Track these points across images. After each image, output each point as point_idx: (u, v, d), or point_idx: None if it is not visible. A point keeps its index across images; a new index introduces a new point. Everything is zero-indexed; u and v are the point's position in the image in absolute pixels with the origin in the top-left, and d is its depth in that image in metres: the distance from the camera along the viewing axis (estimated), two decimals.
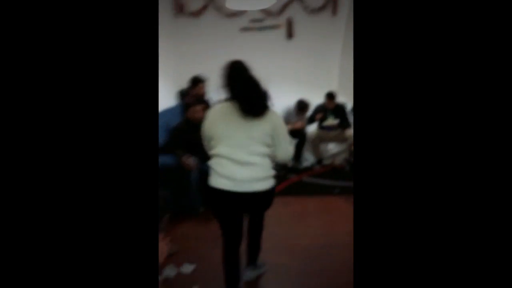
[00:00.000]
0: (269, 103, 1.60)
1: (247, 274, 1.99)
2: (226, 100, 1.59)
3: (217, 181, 1.56)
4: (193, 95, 3.27)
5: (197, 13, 4.37)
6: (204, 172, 2.83)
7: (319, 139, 4.00)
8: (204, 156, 2.87)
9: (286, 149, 1.60)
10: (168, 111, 3.66)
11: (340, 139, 3.98)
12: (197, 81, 3.27)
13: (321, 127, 4.00)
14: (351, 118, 4.27)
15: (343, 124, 3.95)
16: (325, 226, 2.53)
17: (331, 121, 3.93)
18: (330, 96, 3.91)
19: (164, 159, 2.71)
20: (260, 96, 1.55)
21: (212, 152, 1.60)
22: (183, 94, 4.31)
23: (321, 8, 4.37)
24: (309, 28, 4.46)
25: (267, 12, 4.38)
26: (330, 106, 3.96)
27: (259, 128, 1.51)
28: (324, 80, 4.28)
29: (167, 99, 4.26)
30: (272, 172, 1.61)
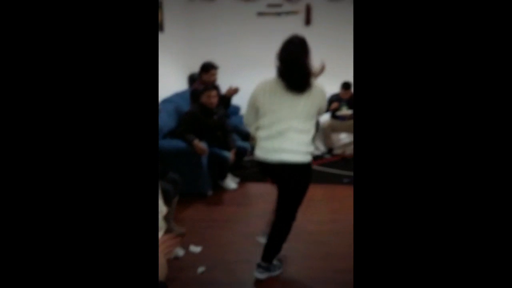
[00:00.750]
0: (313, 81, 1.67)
1: (256, 274, 1.89)
2: (277, 75, 1.68)
3: (257, 152, 1.74)
4: (203, 81, 3.25)
5: None
6: (214, 155, 2.87)
7: (331, 129, 3.97)
8: (214, 140, 2.91)
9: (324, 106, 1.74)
10: (179, 95, 3.67)
11: (352, 130, 3.94)
12: (208, 67, 3.24)
13: (334, 116, 3.96)
14: None
15: None
16: (332, 213, 2.55)
17: (345, 110, 3.88)
18: (346, 86, 3.85)
19: (174, 143, 2.74)
20: (302, 76, 1.62)
21: (258, 122, 1.72)
22: (193, 79, 4.30)
23: None
24: (328, 15, 4.36)
25: None
26: (345, 97, 3.91)
27: (302, 104, 1.62)
28: (341, 69, 4.20)
29: (179, 82, 4.26)
30: (308, 149, 1.67)
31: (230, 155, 2.94)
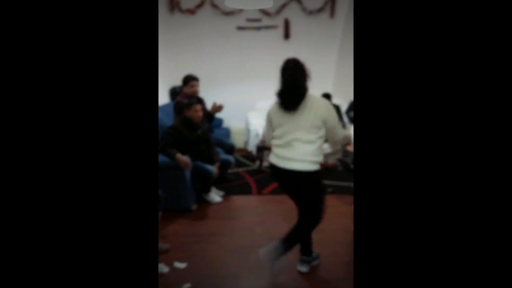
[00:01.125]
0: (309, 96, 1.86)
1: (300, 268, 2.10)
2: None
3: (270, 157, 1.98)
4: (185, 94, 3.25)
5: (192, 10, 4.36)
6: (198, 169, 2.84)
7: None
8: (197, 155, 2.89)
9: (336, 132, 1.88)
10: (160, 109, 3.63)
11: None
12: (188, 79, 3.25)
13: None
14: (345, 119, 4.30)
15: None
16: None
17: None
18: (326, 96, 3.94)
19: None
20: (294, 95, 1.82)
21: (272, 134, 2.01)
22: (175, 93, 4.28)
23: (319, 10, 4.40)
24: (306, 29, 4.48)
25: (265, 12, 4.39)
26: None
27: (304, 118, 1.81)
28: (320, 81, 4.30)
29: (160, 96, 4.23)
30: (312, 158, 1.83)
31: (214, 168, 2.92)
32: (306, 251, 2.09)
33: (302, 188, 1.88)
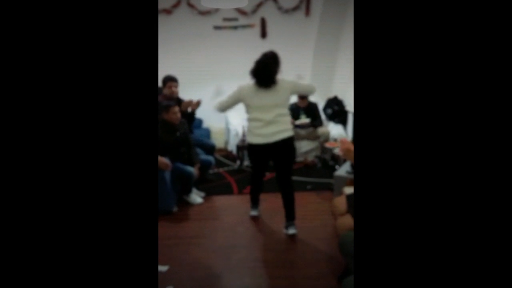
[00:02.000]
0: (279, 76, 2.32)
1: (291, 231, 2.46)
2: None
3: (253, 139, 2.35)
4: (164, 95, 3.21)
5: (169, 10, 4.30)
6: (178, 171, 2.82)
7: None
8: (177, 157, 2.87)
9: (308, 86, 2.63)
10: None
11: (312, 137, 4.08)
12: (166, 80, 3.22)
13: (294, 126, 4.08)
14: (323, 116, 4.37)
15: (316, 123, 4.05)
16: (297, 220, 2.60)
17: (303, 119, 4.01)
18: (303, 97, 4.00)
19: None
20: (267, 74, 2.26)
21: (248, 116, 2.38)
22: None
23: (294, 9, 4.44)
24: (282, 28, 4.51)
25: (241, 11, 4.39)
26: (302, 105, 4.05)
27: (279, 95, 2.30)
28: (297, 79, 4.36)
29: None
30: (290, 126, 2.38)
31: (194, 170, 2.91)
32: (293, 215, 2.47)
33: (290, 151, 2.39)
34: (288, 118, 2.38)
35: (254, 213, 2.75)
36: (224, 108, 2.46)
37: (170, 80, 3.22)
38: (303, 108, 4.05)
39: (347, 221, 1.70)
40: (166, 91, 3.22)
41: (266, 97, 2.28)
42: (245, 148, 3.81)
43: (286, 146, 2.34)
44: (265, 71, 2.26)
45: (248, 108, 2.35)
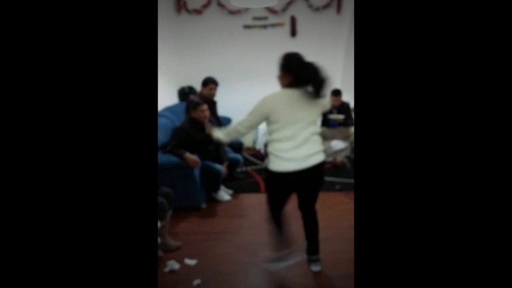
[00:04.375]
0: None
1: (314, 268, 2.10)
2: (287, 87, 1.75)
3: (280, 165, 1.76)
4: (202, 95, 3.32)
5: (199, 10, 4.39)
6: (207, 168, 2.88)
7: (322, 136, 4.00)
8: (205, 155, 2.93)
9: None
10: (169, 109, 3.69)
11: (343, 137, 4.00)
12: (207, 82, 3.34)
13: (325, 123, 4.01)
14: (354, 116, 4.27)
15: (348, 121, 3.96)
16: (325, 220, 2.56)
17: (336, 115, 3.93)
18: (337, 92, 3.92)
19: (166, 157, 2.76)
20: (322, 81, 1.70)
21: (274, 136, 1.77)
22: (184, 93, 4.34)
23: (325, 6, 4.38)
24: (312, 26, 4.47)
25: (271, 10, 4.40)
26: (336, 103, 3.97)
27: (317, 108, 1.79)
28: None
29: (168, 97, 4.29)
30: (323, 148, 1.87)
31: (222, 168, 2.96)
32: (316, 250, 2.08)
33: (322, 178, 1.89)
34: (320, 138, 1.86)
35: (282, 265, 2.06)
36: (247, 130, 1.83)
37: (212, 82, 3.34)
38: (337, 107, 3.98)
39: None
40: (205, 91, 3.33)
41: (304, 109, 1.72)
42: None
43: (319, 172, 1.83)
44: (321, 76, 1.68)
45: (275, 125, 1.74)
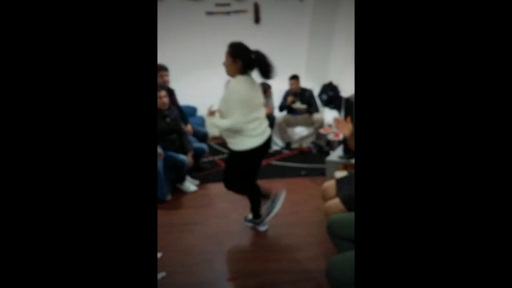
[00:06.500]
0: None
1: (261, 228, 2.38)
2: (240, 73, 2.00)
3: (251, 142, 2.03)
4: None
5: None
6: (170, 159, 2.81)
7: (286, 123, 4.05)
8: (168, 144, 2.85)
9: None
10: None
11: (307, 123, 4.06)
12: (158, 69, 3.16)
13: (289, 111, 4.06)
14: (318, 102, 4.34)
15: (311, 109, 4.02)
16: (292, 205, 2.61)
17: (299, 104, 4.00)
18: (294, 77, 3.97)
19: None
20: (271, 64, 2.00)
21: (247, 118, 1.97)
22: None
23: None
24: (276, 13, 4.43)
25: None
26: (295, 88, 4.01)
27: (261, 91, 2.13)
28: (292, 65, 4.30)
29: None
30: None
31: (186, 158, 2.90)
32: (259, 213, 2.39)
33: (270, 146, 2.29)
34: None
35: (263, 228, 2.39)
36: (245, 121, 1.98)
37: (161, 69, 3.17)
38: (297, 92, 4.02)
39: (336, 204, 1.70)
40: (158, 80, 3.17)
41: (258, 92, 2.07)
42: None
43: (269, 142, 2.20)
44: (267, 61, 1.98)
45: (247, 109, 1.96)
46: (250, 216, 2.43)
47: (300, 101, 4.02)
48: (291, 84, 4.02)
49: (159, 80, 3.16)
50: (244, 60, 1.95)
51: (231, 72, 2.01)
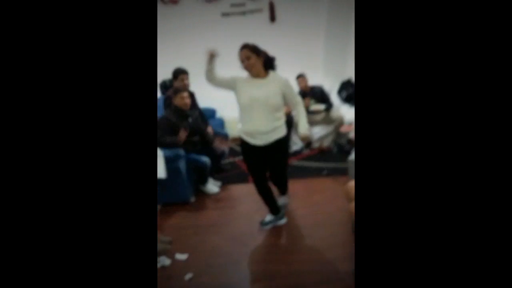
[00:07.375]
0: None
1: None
2: (266, 69, 2.20)
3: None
4: (176, 88, 3.22)
5: (175, 0, 4.27)
6: (193, 161, 2.85)
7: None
8: (190, 147, 2.89)
9: None
10: None
11: (327, 122, 4.01)
12: (177, 73, 3.20)
13: (308, 112, 4.02)
14: (338, 99, 4.29)
15: (327, 107, 3.97)
16: (314, 206, 2.60)
17: (316, 106, 3.95)
18: (299, 76, 3.92)
19: None
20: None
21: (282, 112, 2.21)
22: (165, 86, 4.24)
23: None
24: (291, 11, 4.41)
25: None
26: (303, 86, 3.96)
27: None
28: (309, 62, 4.27)
29: None
30: None
31: (208, 160, 2.93)
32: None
33: None
34: None
35: (283, 221, 2.49)
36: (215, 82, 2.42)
37: (181, 72, 3.21)
38: (307, 91, 3.95)
39: None
40: (177, 83, 3.22)
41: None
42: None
43: None
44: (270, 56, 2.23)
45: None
46: (267, 218, 2.44)
47: (312, 99, 3.97)
48: (298, 83, 3.97)
49: (180, 83, 3.21)
50: (265, 57, 2.07)
51: (258, 70, 2.08)
